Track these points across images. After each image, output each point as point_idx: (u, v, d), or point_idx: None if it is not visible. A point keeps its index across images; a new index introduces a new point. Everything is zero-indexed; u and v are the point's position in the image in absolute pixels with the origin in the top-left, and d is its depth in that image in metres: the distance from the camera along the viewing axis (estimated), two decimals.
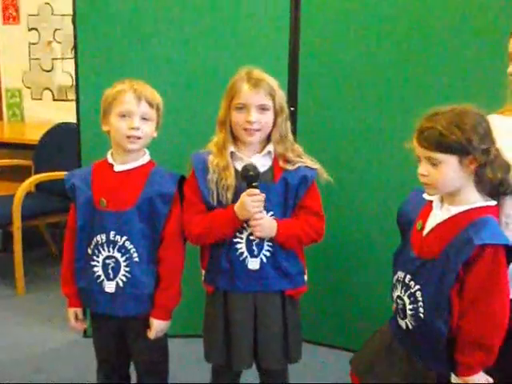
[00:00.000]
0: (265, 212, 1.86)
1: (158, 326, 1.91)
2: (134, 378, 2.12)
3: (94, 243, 1.89)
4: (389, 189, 2.57)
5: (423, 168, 1.55)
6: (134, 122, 1.84)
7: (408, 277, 1.63)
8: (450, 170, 1.51)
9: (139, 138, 1.86)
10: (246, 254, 1.88)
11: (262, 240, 1.88)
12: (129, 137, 1.85)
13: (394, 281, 1.70)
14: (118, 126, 1.85)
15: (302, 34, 2.65)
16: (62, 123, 4.06)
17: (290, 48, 2.67)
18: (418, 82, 2.49)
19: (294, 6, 2.63)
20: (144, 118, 1.87)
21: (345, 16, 2.59)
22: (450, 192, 1.58)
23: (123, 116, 1.85)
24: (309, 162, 1.93)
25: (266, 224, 1.85)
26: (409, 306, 1.62)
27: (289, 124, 1.95)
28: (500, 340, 1.53)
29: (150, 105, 1.88)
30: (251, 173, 1.80)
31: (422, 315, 1.58)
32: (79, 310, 2.00)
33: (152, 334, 1.91)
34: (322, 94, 2.69)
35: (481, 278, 1.50)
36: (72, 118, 2.87)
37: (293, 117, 2.05)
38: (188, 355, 2.59)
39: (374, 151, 2.63)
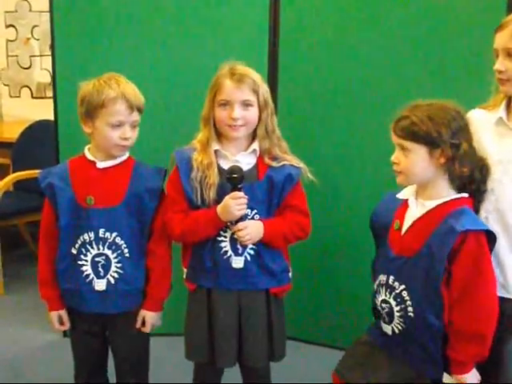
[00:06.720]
0: (249, 210, 1.83)
1: (152, 318, 1.91)
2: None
3: (80, 242, 1.86)
4: (372, 188, 2.55)
5: (395, 155, 1.60)
6: (125, 133, 1.82)
7: (391, 278, 1.62)
8: (418, 160, 1.55)
9: (128, 145, 1.86)
10: (230, 252, 1.86)
11: None
12: (119, 145, 1.83)
13: (376, 286, 1.69)
14: (108, 135, 1.81)
15: (282, 32, 2.64)
16: (41, 121, 4.00)
17: (269, 47, 2.65)
18: (398, 82, 2.49)
19: (273, 4, 2.61)
20: (133, 126, 1.85)
21: (325, 16, 2.58)
22: (420, 184, 1.62)
23: (114, 126, 1.81)
24: (294, 160, 1.92)
25: (253, 230, 1.82)
26: (396, 308, 1.60)
27: (275, 119, 1.92)
28: (493, 328, 1.52)
29: (140, 111, 1.86)
30: (236, 175, 1.77)
31: (411, 314, 1.57)
32: (63, 312, 1.95)
33: (148, 327, 1.91)
34: (302, 93, 2.68)
35: (467, 265, 1.51)
36: (51, 116, 2.83)
37: None
38: (168, 355, 2.55)
39: (357, 149, 2.62)
